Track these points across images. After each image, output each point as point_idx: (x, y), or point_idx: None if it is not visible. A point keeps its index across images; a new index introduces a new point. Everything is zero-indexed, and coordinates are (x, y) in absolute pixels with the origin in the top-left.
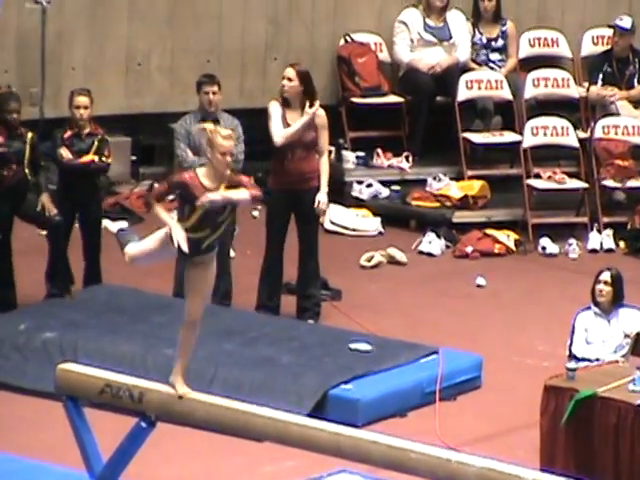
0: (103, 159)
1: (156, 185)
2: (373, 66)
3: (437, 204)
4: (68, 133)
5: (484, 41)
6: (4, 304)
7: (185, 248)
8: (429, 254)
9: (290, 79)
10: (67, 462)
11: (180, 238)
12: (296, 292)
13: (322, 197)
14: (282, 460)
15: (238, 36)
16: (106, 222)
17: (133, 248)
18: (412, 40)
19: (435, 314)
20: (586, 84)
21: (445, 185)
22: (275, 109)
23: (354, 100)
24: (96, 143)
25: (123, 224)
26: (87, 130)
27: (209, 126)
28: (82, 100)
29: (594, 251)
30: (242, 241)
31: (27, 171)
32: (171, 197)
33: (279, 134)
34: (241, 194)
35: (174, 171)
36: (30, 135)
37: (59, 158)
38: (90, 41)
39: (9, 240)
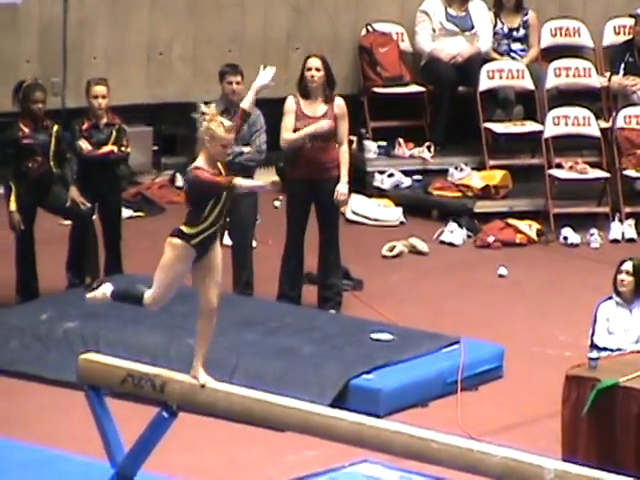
0: (122, 149)
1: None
2: (395, 56)
3: (459, 194)
4: (86, 124)
5: (506, 31)
6: (26, 294)
7: None
8: (451, 244)
9: (318, 69)
10: (89, 452)
11: None
12: (317, 282)
13: (342, 188)
14: (304, 450)
15: (260, 25)
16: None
17: (150, 297)
18: (434, 30)
19: (457, 304)
20: (608, 74)
21: (467, 175)
22: (290, 107)
23: (376, 90)
24: (114, 133)
25: (108, 287)
26: (104, 120)
27: (211, 110)
28: (100, 89)
29: (616, 241)
30: (264, 231)
31: (52, 163)
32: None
33: (285, 138)
34: (260, 184)
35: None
36: (55, 127)
37: (78, 150)
38: (112, 30)
39: (32, 231)
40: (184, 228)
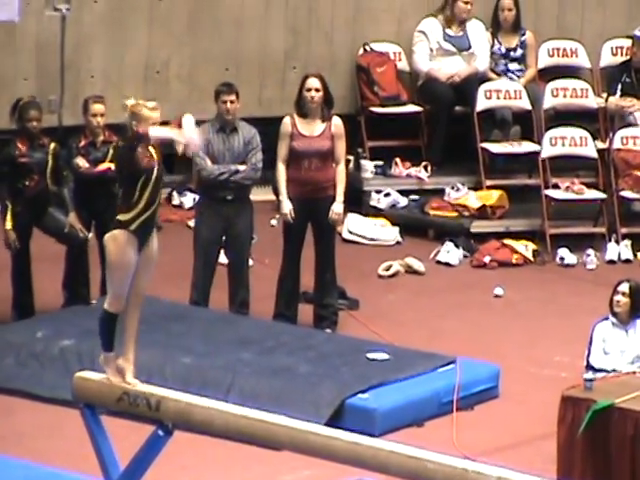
0: None
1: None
2: (392, 75)
3: (455, 214)
4: (83, 142)
5: (503, 51)
6: (22, 311)
7: None
8: (447, 264)
9: (318, 89)
10: (84, 470)
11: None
12: (313, 301)
13: (337, 207)
14: (300, 469)
15: (257, 45)
16: None
17: (108, 301)
18: (431, 49)
19: (453, 324)
20: (605, 94)
21: (463, 195)
22: (285, 130)
23: (373, 109)
24: (111, 151)
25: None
26: (102, 138)
27: (130, 102)
28: (98, 107)
29: (612, 262)
30: (260, 250)
31: (49, 182)
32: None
33: (278, 166)
34: (175, 133)
35: (193, 179)
36: (53, 145)
37: (75, 168)
38: (109, 49)
39: (28, 248)
40: (119, 217)
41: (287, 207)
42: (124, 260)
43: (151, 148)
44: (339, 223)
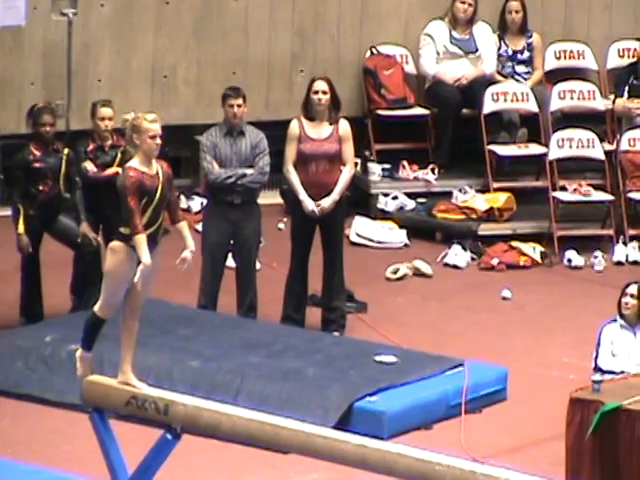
0: None
1: (130, 218)
2: (399, 78)
3: (463, 216)
4: (91, 146)
5: (510, 53)
6: (31, 316)
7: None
8: (455, 266)
9: (325, 92)
10: (93, 474)
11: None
12: (321, 304)
13: (325, 202)
14: (308, 472)
15: (264, 48)
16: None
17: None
18: (438, 52)
19: (460, 326)
20: (612, 96)
21: (471, 197)
22: (293, 133)
23: (380, 112)
24: (119, 155)
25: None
26: (110, 142)
27: (129, 115)
28: (106, 111)
29: (620, 263)
30: (268, 253)
31: (62, 187)
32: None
33: (287, 175)
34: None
35: (200, 183)
36: (66, 151)
37: (83, 172)
38: (116, 53)
39: (38, 253)
40: (122, 229)
41: (310, 204)
42: (120, 272)
43: (157, 166)
44: (320, 214)
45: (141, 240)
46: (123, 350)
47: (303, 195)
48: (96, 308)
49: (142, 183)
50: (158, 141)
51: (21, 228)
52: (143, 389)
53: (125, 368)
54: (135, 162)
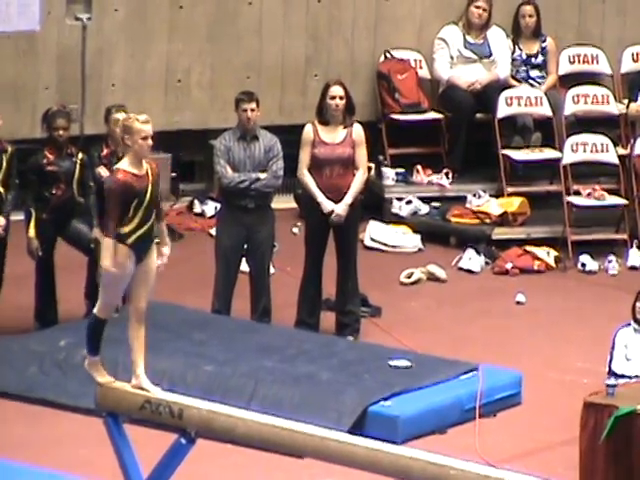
0: None
1: (108, 220)
2: (413, 83)
3: (477, 221)
4: (105, 151)
5: (524, 57)
6: (45, 320)
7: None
8: (469, 271)
9: (342, 97)
10: (107, 478)
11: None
12: (335, 308)
13: (338, 208)
14: (322, 476)
15: (278, 52)
16: None
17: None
18: (452, 57)
19: (475, 331)
20: (626, 101)
21: (485, 202)
22: (307, 137)
23: (394, 117)
24: None
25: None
26: None
27: (121, 115)
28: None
29: (634, 268)
30: (282, 258)
31: (75, 191)
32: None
33: (301, 178)
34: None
35: (214, 187)
36: (80, 155)
37: (97, 177)
38: (130, 58)
39: (52, 257)
40: (118, 229)
41: (329, 204)
42: (117, 273)
43: (147, 166)
44: (337, 223)
45: (108, 244)
46: (133, 354)
47: (321, 197)
48: (96, 310)
49: (131, 186)
50: (150, 142)
51: (32, 231)
52: (157, 393)
53: (138, 372)
54: (125, 163)
